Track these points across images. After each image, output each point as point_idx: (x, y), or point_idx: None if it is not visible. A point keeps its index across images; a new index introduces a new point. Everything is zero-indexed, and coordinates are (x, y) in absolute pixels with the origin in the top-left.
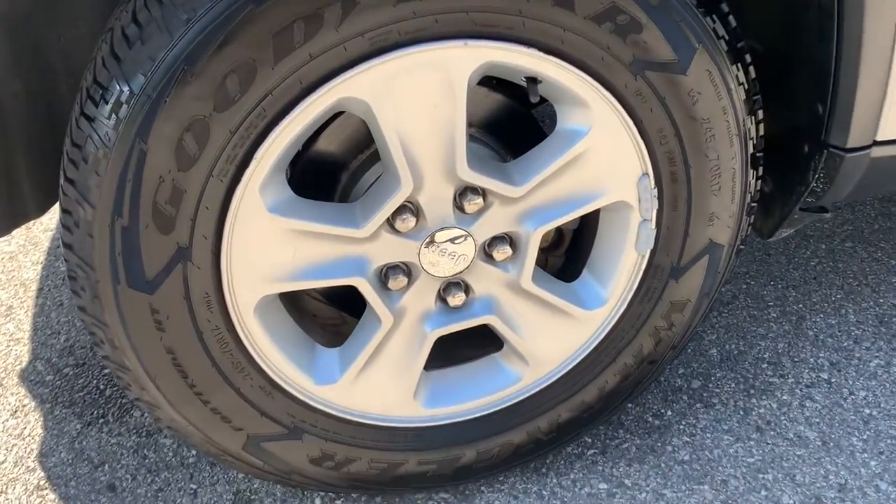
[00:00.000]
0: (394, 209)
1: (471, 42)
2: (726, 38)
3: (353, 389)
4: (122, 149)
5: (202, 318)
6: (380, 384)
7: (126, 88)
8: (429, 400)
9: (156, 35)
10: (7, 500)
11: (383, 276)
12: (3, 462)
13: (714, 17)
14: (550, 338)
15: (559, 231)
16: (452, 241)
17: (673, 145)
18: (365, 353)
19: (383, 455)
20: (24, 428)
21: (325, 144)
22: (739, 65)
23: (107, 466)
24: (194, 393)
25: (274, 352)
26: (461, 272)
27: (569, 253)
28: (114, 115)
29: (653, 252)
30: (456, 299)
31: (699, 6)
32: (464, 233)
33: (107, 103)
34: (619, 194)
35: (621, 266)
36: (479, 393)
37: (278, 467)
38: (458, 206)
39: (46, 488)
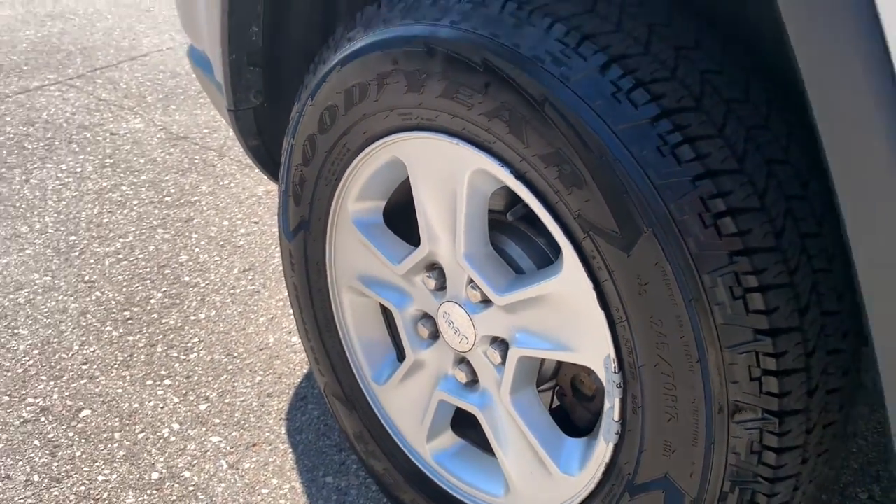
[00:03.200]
0: (414, 263)
1: (462, 143)
2: (716, 234)
3: (391, 396)
4: (288, 137)
5: (313, 278)
6: (404, 406)
7: (303, 93)
8: (442, 455)
9: (321, 65)
10: None
11: (418, 319)
12: None
13: (708, 200)
14: (528, 474)
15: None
16: (460, 318)
17: (628, 333)
18: (399, 373)
19: (394, 472)
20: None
21: None
22: (739, 277)
23: None
24: (304, 328)
25: (353, 335)
26: (465, 352)
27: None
28: (296, 112)
29: (617, 448)
30: (460, 375)
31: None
32: (467, 316)
33: (301, 94)
34: (588, 361)
35: (597, 448)
36: (473, 481)
37: (340, 425)
38: (469, 290)
39: None
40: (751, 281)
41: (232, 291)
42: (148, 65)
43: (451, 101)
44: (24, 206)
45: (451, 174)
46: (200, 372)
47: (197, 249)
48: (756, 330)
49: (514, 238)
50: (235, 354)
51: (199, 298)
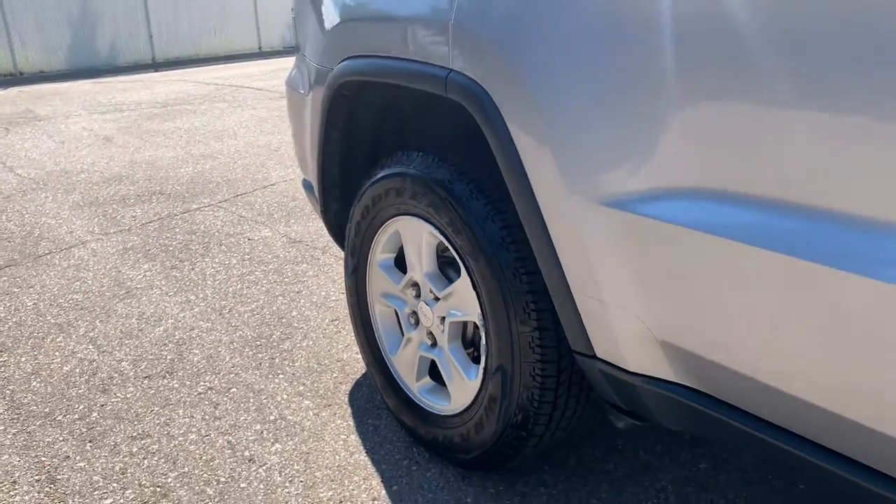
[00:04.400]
0: (406, 282)
1: (420, 220)
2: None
3: (398, 359)
4: (349, 223)
5: (360, 298)
6: (404, 364)
7: (356, 199)
8: (423, 389)
9: (364, 185)
10: None
11: (409, 314)
12: None
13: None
14: (457, 388)
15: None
16: (426, 309)
17: (484, 300)
18: (402, 346)
19: (399, 404)
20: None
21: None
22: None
23: None
24: (356, 327)
25: (380, 327)
26: (429, 327)
27: None
28: (352, 210)
29: (486, 360)
30: (428, 340)
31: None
32: (429, 308)
33: (355, 201)
34: (475, 318)
35: (481, 363)
36: (437, 402)
37: (374, 382)
38: (428, 293)
39: None
40: (521, 269)
41: (324, 332)
42: (275, 191)
43: (414, 200)
44: (191, 284)
45: (418, 236)
46: (301, 372)
47: (304, 309)
48: (526, 290)
49: (449, 265)
50: (323, 363)
51: (302, 335)
